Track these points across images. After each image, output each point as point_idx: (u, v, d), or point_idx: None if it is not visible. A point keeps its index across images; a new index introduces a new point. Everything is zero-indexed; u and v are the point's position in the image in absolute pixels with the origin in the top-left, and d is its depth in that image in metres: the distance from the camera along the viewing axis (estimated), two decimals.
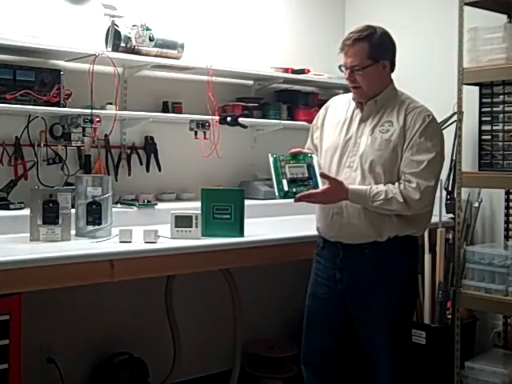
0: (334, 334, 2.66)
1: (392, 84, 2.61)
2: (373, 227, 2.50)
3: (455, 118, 3.37)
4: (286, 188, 2.48)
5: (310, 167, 2.52)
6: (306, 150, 2.64)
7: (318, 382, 2.73)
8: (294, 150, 2.57)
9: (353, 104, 2.63)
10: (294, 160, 2.54)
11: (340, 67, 2.58)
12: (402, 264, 2.57)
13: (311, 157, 2.56)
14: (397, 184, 2.47)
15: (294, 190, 2.48)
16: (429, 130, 2.49)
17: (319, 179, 2.50)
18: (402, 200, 2.42)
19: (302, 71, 3.97)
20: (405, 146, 2.49)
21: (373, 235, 2.51)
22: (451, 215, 3.50)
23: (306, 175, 2.51)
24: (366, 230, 2.50)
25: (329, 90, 4.18)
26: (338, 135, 2.60)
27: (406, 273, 2.59)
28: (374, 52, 2.49)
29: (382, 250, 2.51)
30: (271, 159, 2.54)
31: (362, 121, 2.57)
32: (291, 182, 2.49)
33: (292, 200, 2.56)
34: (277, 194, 2.50)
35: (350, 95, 2.66)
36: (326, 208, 2.58)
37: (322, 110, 2.76)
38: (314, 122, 2.78)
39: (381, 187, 2.45)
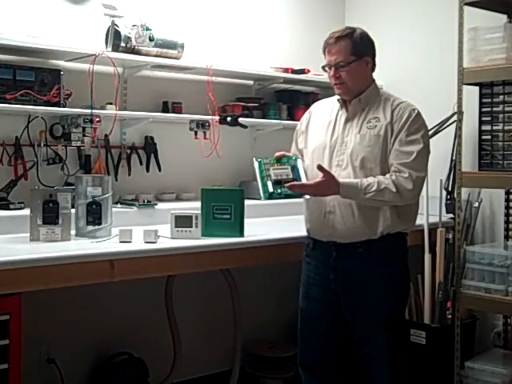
0: (329, 334, 2.66)
1: (374, 83, 2.65)
2: (367, 224, 2.51)
3: (455, 117, 3.37)
4: (270, 189, 2.52)
5: (295, 169, 2.56)
6: (289, 154, 2.67)
7: None
8: (278, 154, 2.61)
9: (336, 107, 2.66)
10: (278, 163, 2.58)
11: (323, 67, 2.62)
12: (395, 262, 2.59)
13: (295, 159, 2.60)
14: (388, 175, 2.48)
15: (279, 190, 2.52)
16: (416, 123, 2.53)
17: (303, 179, 2.54)
18: (394, 190, 2.44)
19: (302, 71, 3.97)
20: (392, 139, 2.52)
21: (367, 232, 2.52)
22: (451, 215, 3.50)
23: (291, 176, 2.54)
24: (361, 227, 2.51)
25: (329, 90, 4.12)
26: (324, 136, 2.63)
27: (399, 271, 2.61)
28: (356, 48, 2.54)
29: (375, 248, 2.53)
30: (256, 163, 2.59)
31: (348, 120, 2.60)
32: (276, 183, 2.53)
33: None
34: (262, 195, 2.54)
35: (333, 99, 2.70)
36: (318, 208, 2.59)
37: (306, 115, 2.78)
38: (298, 127, 2.81)
39: (371, 179, 2.46)
